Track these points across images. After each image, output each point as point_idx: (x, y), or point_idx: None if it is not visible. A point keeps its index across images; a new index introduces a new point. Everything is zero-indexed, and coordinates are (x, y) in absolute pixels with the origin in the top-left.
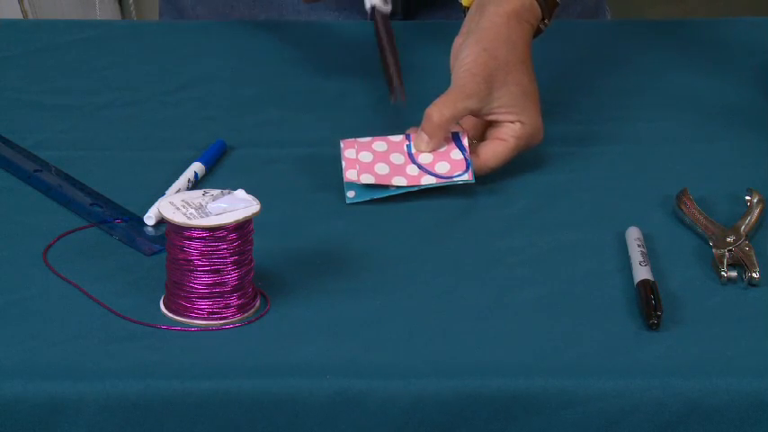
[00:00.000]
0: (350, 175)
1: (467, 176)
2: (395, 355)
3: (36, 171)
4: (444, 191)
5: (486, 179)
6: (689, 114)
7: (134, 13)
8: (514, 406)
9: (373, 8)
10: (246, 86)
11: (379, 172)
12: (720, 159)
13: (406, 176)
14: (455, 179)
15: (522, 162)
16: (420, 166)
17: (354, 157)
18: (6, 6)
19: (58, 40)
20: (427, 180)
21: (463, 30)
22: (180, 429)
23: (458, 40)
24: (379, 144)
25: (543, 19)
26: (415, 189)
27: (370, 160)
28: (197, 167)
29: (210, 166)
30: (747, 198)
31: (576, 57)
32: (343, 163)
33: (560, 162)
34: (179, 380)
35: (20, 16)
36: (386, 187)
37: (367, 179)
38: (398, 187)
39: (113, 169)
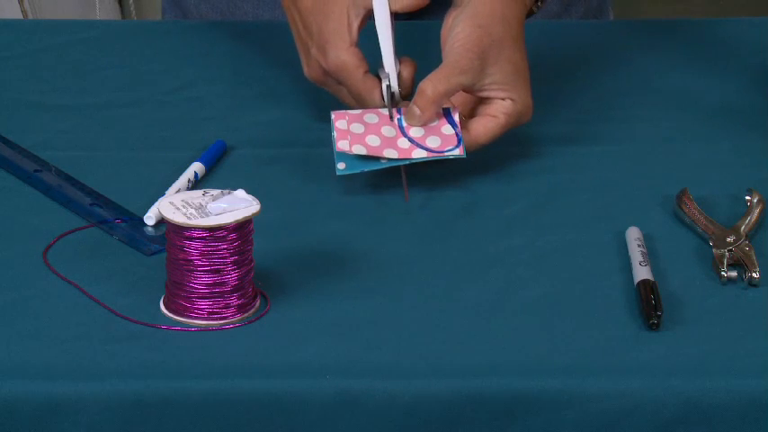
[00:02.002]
0: (342, 145)
1: (458, 152)
2: (395, 355)
3: (36, 171)
4: (443, 189)
5: (486, 179)
6: (689, 114)
7: (134, 13)
8: (514, 406)
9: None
10: (246, 86)
11: (371, 143)
12: (720, 159)
13: (398, 149)
14: (446, 154)
15: (522, 162)
16: (411, 140)
17: (346, 127)
18: (6, 6)
19: (57, 40)
20: (418, 153)
21: (456, 3)
22: (180, 429)
23: (450, 14)
24: (370, 116)
25: (537, 1)
26: (407, 163)
27: (362, 132)
28: (197, 167)
29: (210, 166)
30: (747, 198)
31: (576, 57)
32: (335, 133)
33: (560, 162)
34: (179, 380)
35: (20, 16)
36: (377, 160)
37: (359, 150)
38: (390, 159)
39: (113, 169)
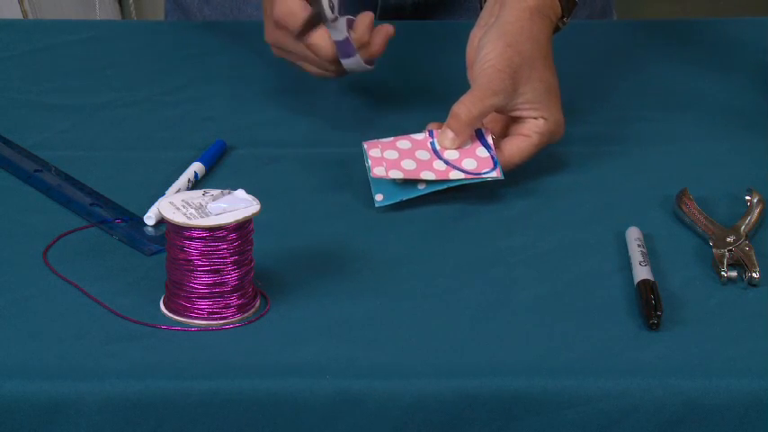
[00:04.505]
0: (378, 171)
1: (495, 174)
2: (395, 355)
3: (36, 171)
4: (446, 192)
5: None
6: (689, 114)
7: (134, 13)
8: (514, 406)
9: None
10: (246, 86)
11: (407, 167)
12: (720, 159)
13: (434, 171)
14: (484, 176)
15: None
16: (447, 162)
17: (380, 155)
18: (6, 6)
19: (58, 40)
20: (456, 175)
21: (481, 22)
22: (180, 429)
23: (476, 33)
24: (403, 143)
25: (562, 17)
26: (444, 187)
27: (396, 157)
28: (197, 167)
29: (210, 166)
30: (747, 198)
31: (576, 57)
32: (369, 162)
33: (560, 162)
34: (179, 380)
35: (20, 16)
36: (414, 186)
37: (396, 174)
38: (428, 183)
39: (113, 169)
